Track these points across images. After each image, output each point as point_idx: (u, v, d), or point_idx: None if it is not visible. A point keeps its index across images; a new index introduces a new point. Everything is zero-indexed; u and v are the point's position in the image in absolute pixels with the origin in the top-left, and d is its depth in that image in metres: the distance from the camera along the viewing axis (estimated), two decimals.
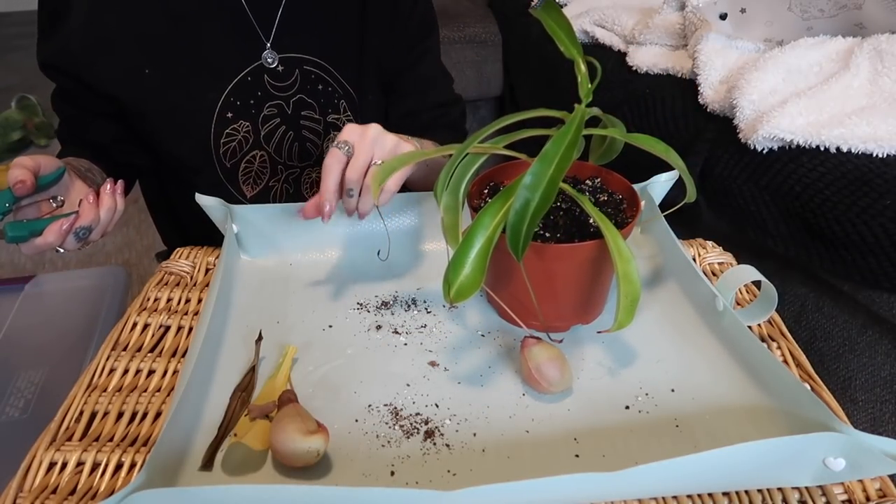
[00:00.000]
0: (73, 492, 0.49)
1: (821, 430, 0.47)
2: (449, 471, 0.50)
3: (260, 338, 0.62)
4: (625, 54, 1.24)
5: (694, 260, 0.74)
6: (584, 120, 0.57)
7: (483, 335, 0.64)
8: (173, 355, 0.62)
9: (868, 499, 0.48)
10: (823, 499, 0.48)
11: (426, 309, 0.67)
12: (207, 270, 0.74)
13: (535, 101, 1.57)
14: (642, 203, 0.64)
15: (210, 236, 0.75)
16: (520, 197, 0.52)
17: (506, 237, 0.52)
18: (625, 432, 0.53)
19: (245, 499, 0.44)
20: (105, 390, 0.58)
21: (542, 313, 0.61)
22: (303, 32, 0.83)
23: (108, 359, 0.61)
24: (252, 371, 0.59)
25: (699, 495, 0.49)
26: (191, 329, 0.65)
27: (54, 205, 0.65)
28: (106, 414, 0.55)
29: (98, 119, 0.82)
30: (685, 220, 0.93)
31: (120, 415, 0.55)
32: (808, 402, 0.50)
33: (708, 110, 1.02)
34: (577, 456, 0.51)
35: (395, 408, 0.56)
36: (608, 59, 1.27)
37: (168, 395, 0.57)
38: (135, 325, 0.65)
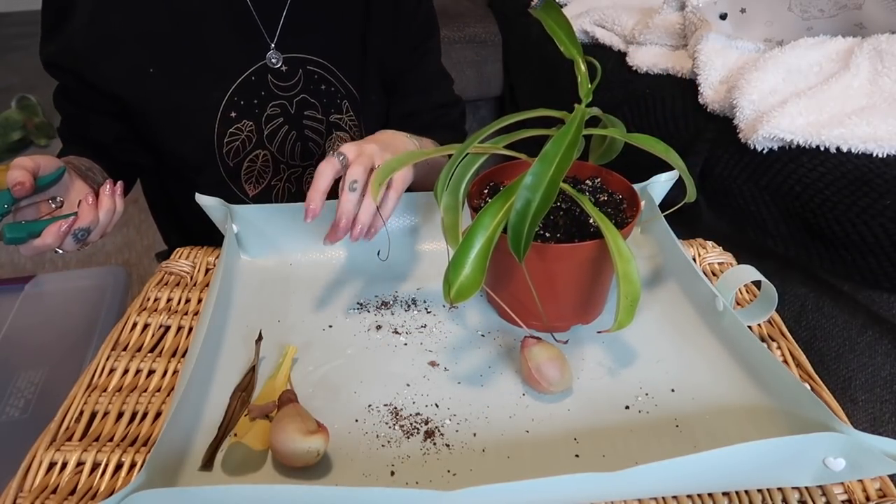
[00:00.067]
0: (73, 492, 0.49)
1: (821, 430, 0.47)
2: (449, 471, 0.50)
3: (260, 338, 0.62)
4: (625, 54, 1.24)
5: (694, 260, 0.74)
6: (584, 120, 0.57)
7: (483, 335, 0.64)
8: (173, 355, 0.62)
9: (868, 499, 0.48)
10: (823, 499, 0.48)
11: (426, 309, 0.67)
12: (207, 270, 0.74)
13: (535, 101, 1.57)
14: (642, 203, 0.64)
15: (211, 236, 0.75)
16: (521, 197, 0.52)
17: (506, 237, 0.52)
18: (625, 432, 0.53)
19: (245, 499, 0.44)
20: (105, 390, 0.58)
21: (543, 313, 0.61)
22: (307, 33, 0.84)
23: (108, 359, 0.61)
24: (252, 371, 0.59)
25: (699, 495, 0.49)
26: (191, 329, 0.65)
27: (53, 206, 0.64)
28: (106, 414, 0.55)
29: (100, 118, 0.82)
30: (685, 220, 0.93)
31: (120, 415, 0.55)
32: (808, 402, 0.50)
33: (708, 110, 1.02)
34: (577, 456, 0.51)
35: (395, 408, 0.56)
36: (608, 59, 1.27)
37: (168, 395, 0.57)
38: (135, 325, 0.65)
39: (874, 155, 0.83)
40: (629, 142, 0.60)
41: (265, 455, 0.51)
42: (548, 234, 0.59)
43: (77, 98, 0.81)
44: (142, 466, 0.47)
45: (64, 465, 0.51)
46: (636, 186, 0.67)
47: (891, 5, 0.94)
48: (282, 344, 0.62)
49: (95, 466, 0.51)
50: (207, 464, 0.50)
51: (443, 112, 0.96)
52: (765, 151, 0.91)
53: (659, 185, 0.74)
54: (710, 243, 0.76)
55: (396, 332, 0.64)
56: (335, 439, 0.52)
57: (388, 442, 0.53)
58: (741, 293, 0.69)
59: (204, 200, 0.70)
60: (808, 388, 0.53)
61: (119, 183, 0.66)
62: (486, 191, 0.66)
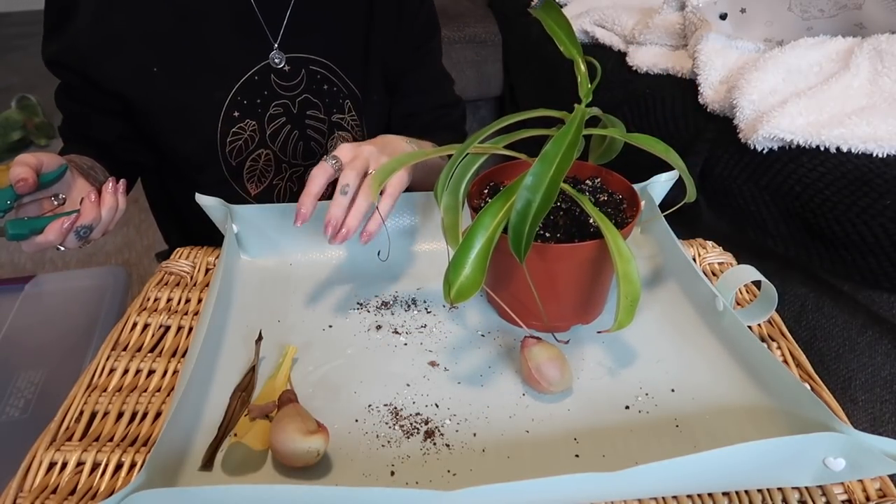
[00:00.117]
0: (73, 492, 0.49)
1: (821, 430, 0.47)
2: (449, 471, 0.50)
3: (260, 338, 0.62)
4: (625, 54, 1.24)
5: (694, 260, 0.74)
6: (584, 120, 0.57)
7: (483, 335, 0.64)
8: (173, 355, 0.62)
9: (868, 499, 0.48)
10: (823, 499, 0.48)
11: (426, 309, 0.67)
12: (207, 270, 0.74)
13: (535, 101, 1.57)
14: (642, 203, 0.64)
15: (212, 235, 0.75)
16: (521, 198, 0.52)
17: (506, 237, 0.52)
18: (625, 432, 0.53)
19: (245, 499, 0.44)
20: (105, 390, 0.58)
21: (544, 313, 0.61)
22: (310, 33, 0.84)
23: (108, 359, 0.61)
24: (252, 371, 0.59)
25: (699, 495, 0.49)
26: (191, 329, 0.65)
27: (56, 203, 0.65)
28: (106, 414, 0.55)
29: (102, 116, 0.82)
30: (685, 220, 0.93)
31: (120, 415, 0.55)
32: (808, 402, 0.50)
33: (708, 110, 1.02)
34: (577, 456, 0.51)
35: (395, 408, 0.56)
36: (608, 59, 1.27)
37: (168, 395, 0.57)
38: (135, 325, 0.65)
39: (874, 155, 0.83)
40: (629, 142, 0.60)
41: (265, 455, 0.51)
42: (548, 234, 0.59)
43: (79, 97, 0.81)
44: (142, 466, 0.47)
45: (64, 465, 0.51)
46: (636, 186, 0.67)
47: (891, 5, 0.94)
48: (282, 344, 0.62)
49: (95, 466, 0.51)
50: (207, 464, 0.50)
51: (444, 112, 0.96)
52: (765, 151, 0.91)
53: (659, 185, 0.74)
54: (710, 243, 0.76)
55: (396, 332, 0.64)
56: (335, 439, 0.52)
57: (388, 442, 0.53)
58: (741, 293, 0.69)
59: (204, 200, 0.70)
60: (808, 388, 0.53)
61: (121, 181, 0.66)
62: (486, 191, 0.66)
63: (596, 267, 0.59)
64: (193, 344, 0.59)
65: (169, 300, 0.69)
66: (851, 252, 0.83)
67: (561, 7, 1.08)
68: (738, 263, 0.71)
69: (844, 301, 0.91)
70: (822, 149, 0.86)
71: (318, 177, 0.64)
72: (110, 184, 0.65)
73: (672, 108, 1.08)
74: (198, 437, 0.53)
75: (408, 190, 0.76)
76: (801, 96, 0.90)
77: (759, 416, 0.54)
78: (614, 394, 0.57)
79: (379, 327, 0.65)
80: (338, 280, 0.71)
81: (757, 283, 0.69)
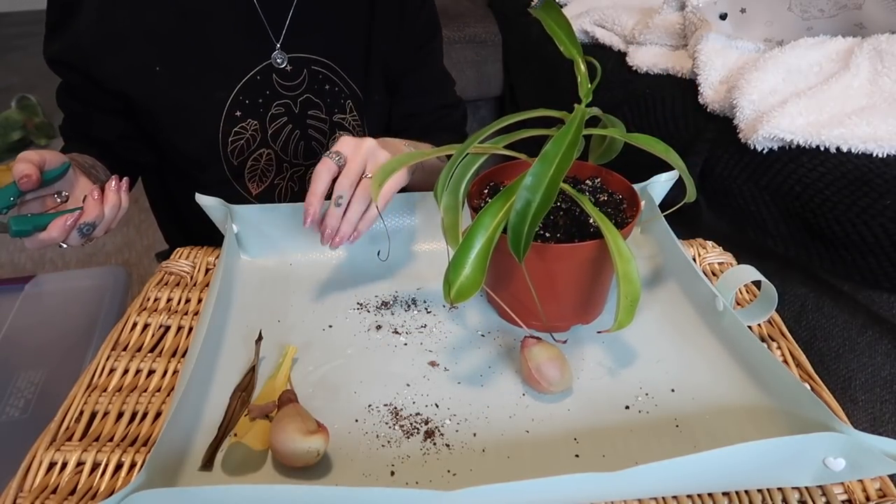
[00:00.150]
0: (73, 492, 0.49)
1: (821, 430, 0.47)
2: (449, 471, 0.50)
3: (260, 338, 0.62)
4: (625, 54, 1.24)
5: (694, 260, 0.74)
6: (584, 120, 0.57)
7: (483, 335, 0.64)
8: (173, 355, 0.62)
9: (868, 499, 0.48)
10: (823, 499, 0.48)
11: (426, 309, 0.67)
12: (207, 270, 0.74)
13: (535, 101, 1.57)
14: (642, 203, 0.64)
15: (212, 235, 0.75)
16: (521, 198, 0.52)
17: (506, 238, 0.52)
18: (625, 432, 0.53)
19: (245, 499, 0.44)
20: (105, 390, 0.58)
21: (542, 313, 0.61)
22: (312, 33, 0.84)
23: (108, 359, 0.61)
24: (252, 371, 0.59)
25: (699, 495, 0.49)
26: (191, 329, 0.65)
27: (59, 200, 0.65)
28: (106, 414, 0.55)
29: (104, 115, 0.82)
30: (685, 220, 0.93)
31: (120, 415, 0.55)
32: (808, 402, 0.50)
33: (708, 110, 1.02)
34: (577, 456, 0.51)
35: (395, 408, 0.56)
36: (608, 59, 1.27)
37: (168, 395, 0.57)
38: (135, 325, 0.65)
39: (874, 155, 0.83)
40: (629, 142, 0.60)
41: (265, 455, 0.51)
42: (548, 234, 0.59)
43: (81, 95, 0.81)
44: (142, 466, 0.47)
45: (64, 465, 0.51)
46: (636, 186, 0.67)
47: (891, 5, 0.94)
48: (282, 344, 0.62)
49: (95, 466, 0.51)
50: (207, 464, 0.50)
51: (445, 113, 0.96)
52: (765, 151, 0.91)
53: (659, 185, 0.74)
54: (710, 243, 0.76)
55: (396, 332, 0.64)
56: (335, 439, 0.52)
57: (388, 442, 0.53)
58: (741, 293, 0.69)
59: (204, 200, 0.70)
60: (808, 388, 0.53)
61: (124, 179, 0.66)
62: (486, 191, 0.66)
63: (596, 267, 0.59)
64: (193, 344, 0.59)
65: (169, 300, 0.69)
66: (851, 252, 0.83)
67: (561, 7, 1.08)
68: (738, 263, 0.71)
69: (844, 301, 0.91)
70: (822, 149, 0.86)
71: (323, 174, 0.64)
72: (113, 182, 0.65)
73: (672, 108, 1.08)
74: (198, 437, 0.53)
75: (408, 190, 0.76)
76: (801, 96, 0.90)
77: (759, 416, 0.54)
78: (614, 394, 0.57)
79: (379, 327, 0.65)
80: (338, 280, 0.71)
81: (757, 283, 0.69)
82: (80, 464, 0.51)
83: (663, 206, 0.74)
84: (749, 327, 0.58)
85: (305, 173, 0.90)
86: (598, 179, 0.67)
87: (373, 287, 0.70)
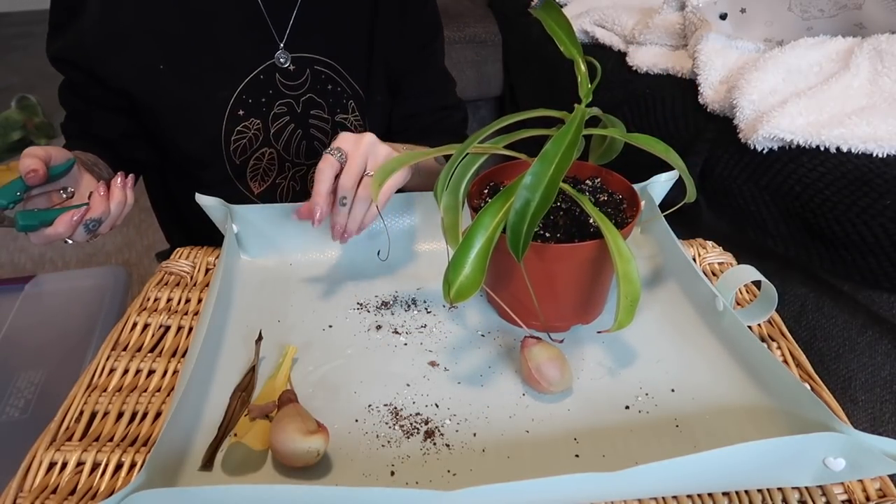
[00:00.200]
0: (73, 492, 0.49)
1: (821, 430, 0.47)
2: (449, 471, 0.50)
3: (260, 338, 0.62)
4: (625, 54, 1.24)
5: (694, 260, 0.74)
6: (584, 120, 0.57)
7: (483, 335, 0.64)
8: (173, 355, 0.62)
9: (868, 499, 0.48)
10: (823, 499, 0.48)
11: (426, 309, 0.67)
12: (207, 270, 0.74)
13: (535, 101, 1.57)
14: (642, 203, 0.64)
15: (213, 235, 0.75)
16: (520, 197, 0.52)
17: (506, 237, 0.52)
18: (625, 432, 0.53)
19: (245, 499, 0.44)
20: (105, 390, 0.58)
21: (542, 313, 0.61)
22: (315, 33, 0.84)
23: (108, 359, 0.61)
24: (252, 371, 0.59)
25: (699, 495, 0.49)
26: (191, 329, 0.65)
27: (64, 196, 0.65)
28: (106, 414, 0.55)
29: (106, 113, 0.82)
30: (685, 220, 0.93)
31: (120, 415, 0.55)
32: (808, 402, 0.50)
33: (708, 110, 1.02)
34: (577, 456, 0.51)
35: (395, 408, 0.56)
36: (608, 59, 1.27)
37: (168, 395, 0.57)
38: (135, 325, 0.65)
39: (874, 155, 0.83)
40: (629, 142, 0.60)
41: (265, 455, 0.51)
42: (548, 234, 0.59)
43: (83, 93, 0.81)
44: (142, 466, 0.47)
45: (64, 465, 0.51)
46: (636, 186, 0.67)
47: (891, 5, 0.94)
48: (282, 344, 0.62)
49: (95, 466, 0.51)
50: (207, 464, 0.50)
51: (445, 114, 0.96)
52: (765, 151, 0.91)
53: (659, 185, 0.74)
54: (710, 243, 0.76)
55: (396, 332, 0.64)
56: (335, 439, 0.52)
57: (388, 442, 0.53)
58: (741, 293, 0.69)
59: (204, 200, 0.70)
60: (808, 388, 0.53)
61: (130, 175, 0.66)
62: (486, 191, 0.66)
63: (596, 267, 0.59)
64: (193, 344, 0.59)
65: (169, 300, 0.69)
66: (851, 252, 0.83)
67: (561, 7, 1.08)
68: (738, 263, 0.71)
69: (844, 301, 0.91)
70: (822, 149, 0.86)
71: (326, 172, 0.64)
72: (119, 178, 0.65)
73: (672, 108, 1.08)
74: (198, 437, 0.53)
75: (407, 190, 0.76)
76: (801, 96, 0.90)
77: (759, 416, 0.54)
78: (614, 394, 0.57)
79: (379, 327, 0.65)
80: (338, 280, 0.71)
81: (757, 283, 0.69)
82: (80, 464, 0.51)
83: (663, 206, 0.74)
84: (749, 327, 0.58)
85: (307, 173, 0.90)
86: (598, 179, 0.67)
87: (373, 287, 0.70)
